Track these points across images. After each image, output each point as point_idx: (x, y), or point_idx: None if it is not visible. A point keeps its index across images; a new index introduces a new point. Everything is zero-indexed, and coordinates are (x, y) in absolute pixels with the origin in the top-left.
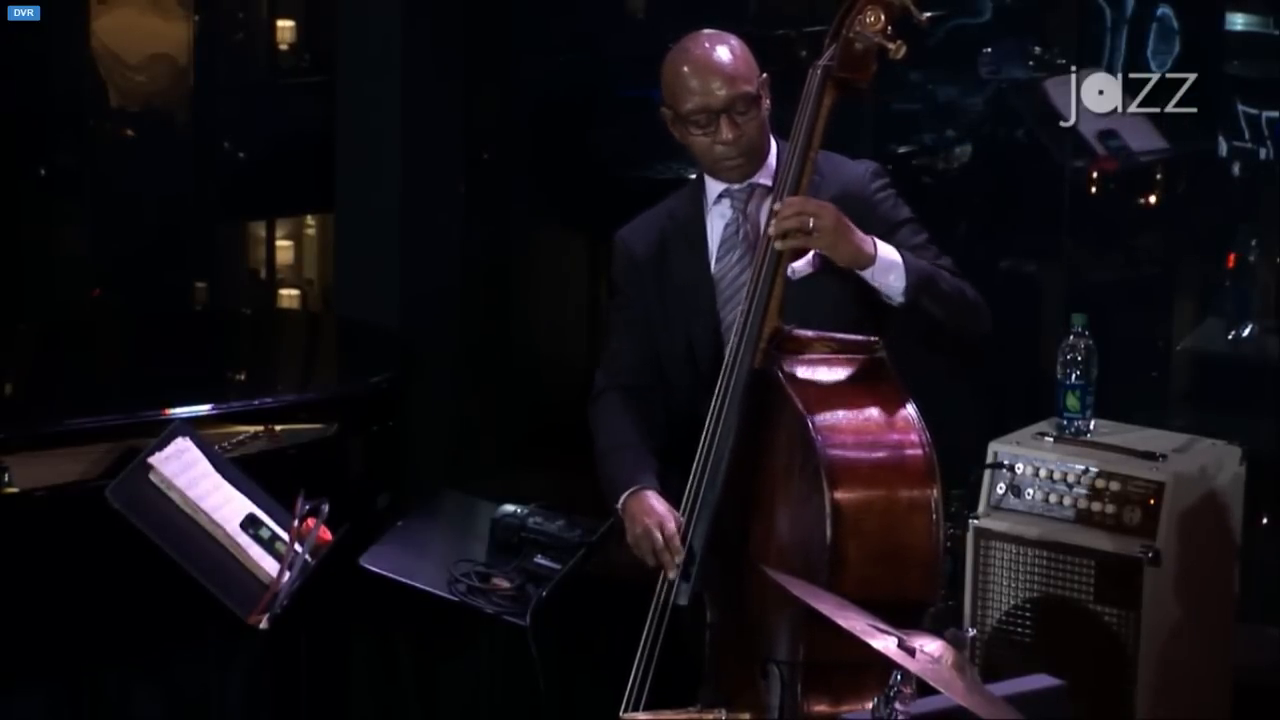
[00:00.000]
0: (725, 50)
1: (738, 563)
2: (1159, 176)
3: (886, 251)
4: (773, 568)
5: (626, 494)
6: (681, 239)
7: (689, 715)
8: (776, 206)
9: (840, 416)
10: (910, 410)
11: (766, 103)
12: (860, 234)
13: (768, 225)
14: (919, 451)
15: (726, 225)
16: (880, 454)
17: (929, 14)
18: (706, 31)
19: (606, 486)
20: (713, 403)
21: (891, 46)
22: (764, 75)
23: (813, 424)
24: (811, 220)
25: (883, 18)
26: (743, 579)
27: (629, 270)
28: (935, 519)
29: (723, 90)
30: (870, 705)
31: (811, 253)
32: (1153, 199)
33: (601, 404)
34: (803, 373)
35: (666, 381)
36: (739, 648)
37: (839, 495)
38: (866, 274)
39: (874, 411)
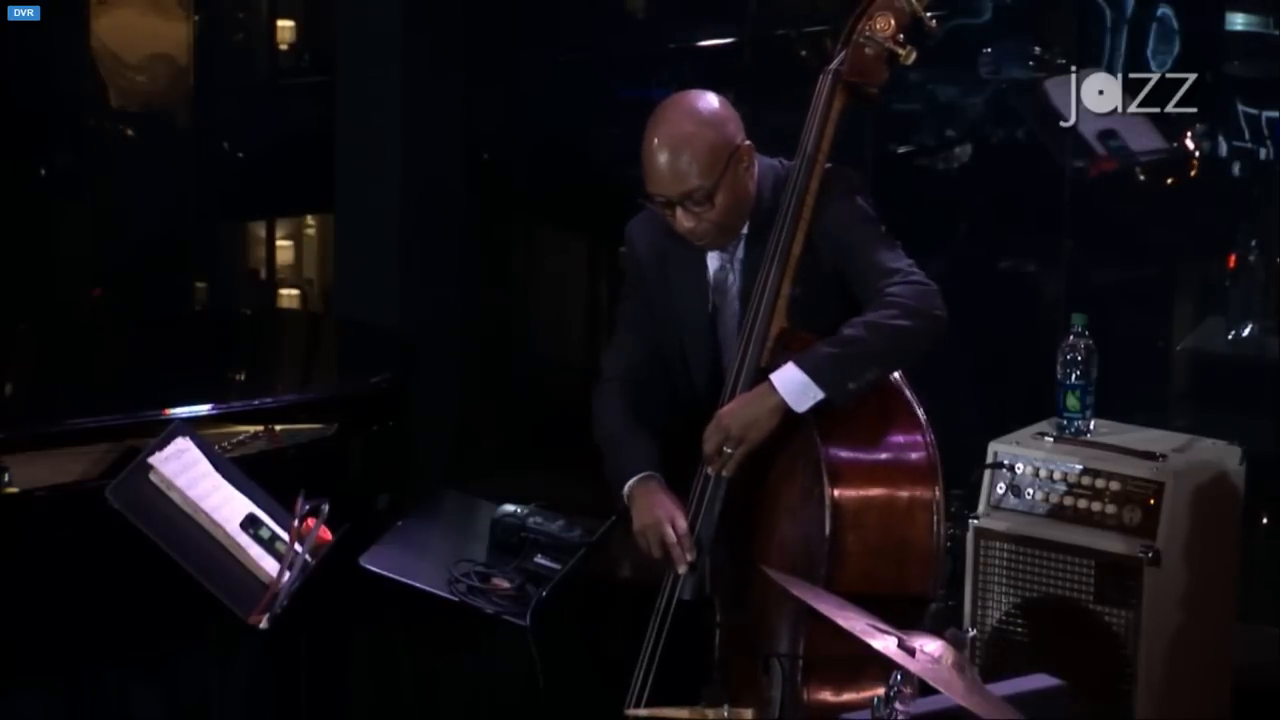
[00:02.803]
0: (685, 140)
1: (743, 560)
2: (1159, 176)
3: (788, 381)
4: (775, 563)
5: (633, 481)
6: (682, 264)
7: (692, 712)
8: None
9: (844, 415)
10: (914, 408)
11: (737, 177)
12: (758, 403)
13: (775, 236)
14: (921, 450)
15: (718, 270)
16: (882, 451)
17: (935, 16)
18: (678, 107)
19: (611, 473)
20: (720, 401)
21: (902, 52)
22: (742, 145)
23: (815, 421)
24: (728, 445)
25: (893, 23)
26: (747, 576)
27: (634, 265)
28: (936, 517)
29: (674, 186)
30: (872, 699)
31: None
32: (1153, 199)
33: (604, 392)
34: None
35: (667, 373)
36: (744, 645)
37: (839, 491)
38: (793, 408)
39: (877, 409)
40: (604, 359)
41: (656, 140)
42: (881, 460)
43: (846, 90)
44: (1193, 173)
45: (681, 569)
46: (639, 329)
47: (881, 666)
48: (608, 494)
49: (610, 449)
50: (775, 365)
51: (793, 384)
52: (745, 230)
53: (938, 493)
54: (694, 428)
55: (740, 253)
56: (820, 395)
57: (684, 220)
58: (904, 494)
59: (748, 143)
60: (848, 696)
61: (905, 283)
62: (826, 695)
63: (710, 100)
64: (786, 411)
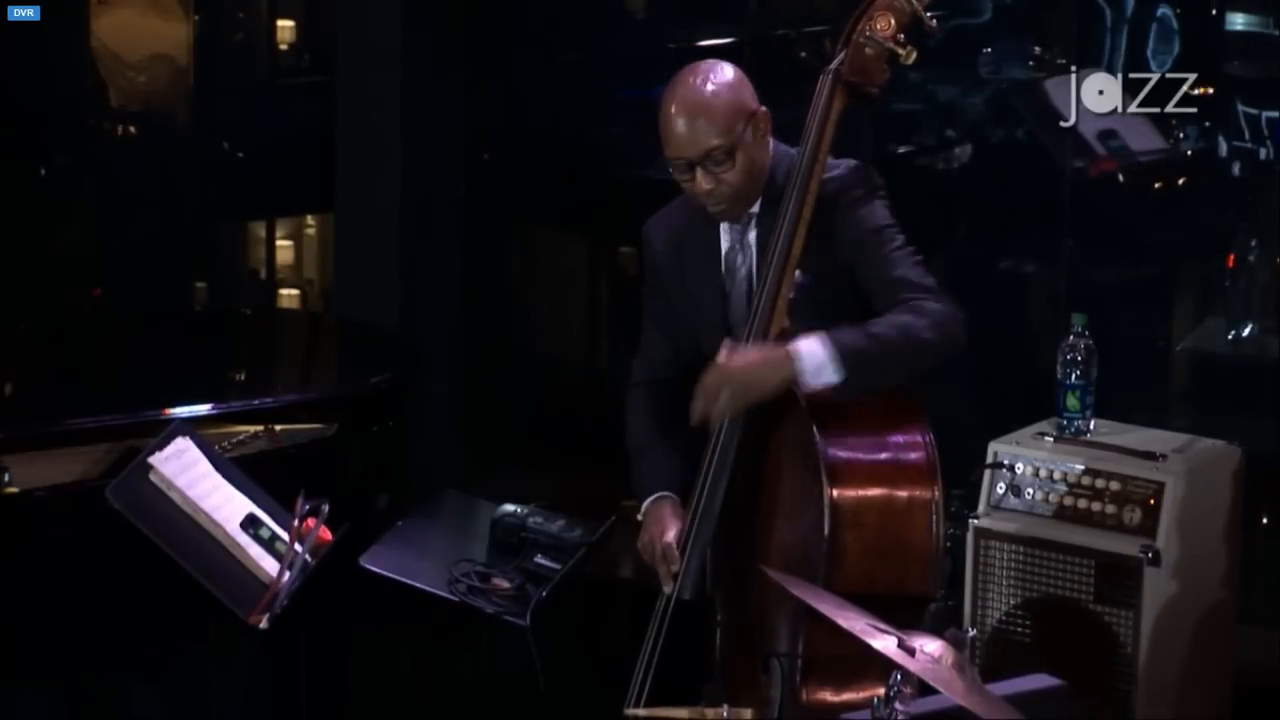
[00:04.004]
0: (703, 100)
1: (743, 560)
2: (1159, 177)
3: (810, 354)
4: (774, 563)
5: (649, 501)
6: (696, 247)
7: (691, 712)
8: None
9: (843, 414)
10: (914, 407)
11: (755, 142)
12: (772, 366)
13: (775, 235)
14: (921, 450)
15: (729, 250)
16: (881, 451)
17: (935, 16)
18: (695, 72)
19: (636, 487)
20: None
21: (902, 52)
22: (759, 111)
23: (814, 422)
24: (715, 404)
25: (893, 23)
26: (747, 575)
27: (651, 263)
28: (935, 516)
29: (694, 146)
30: (872, 699)
31: (798, 272)
32: (1153, 199)
33: (632, 399)
34: None
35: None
36: (744, 644)
37: (837, 491)
38: (803, 383)
39: (877, 410)
40: (635, 361)
41: (675, 103)
42: (880, 460)
43: (846, 90)
44: (1193, 173)
45: (666, 588)
46: (662, 328)
47: (881, 666)
48: (608, 494)
49: (635, 460)
50: None
51: (814, 360)
52: (756, 209)
53: (937, 492)
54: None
55: (750, 234)
56: (835, 381)
57: (703, 182)
58: (903, 494)
59: (764, 109)
60: (847, 696)
61: (939, 303)
62: (826, 695)
63: (725, 66)
64: (794, 384)
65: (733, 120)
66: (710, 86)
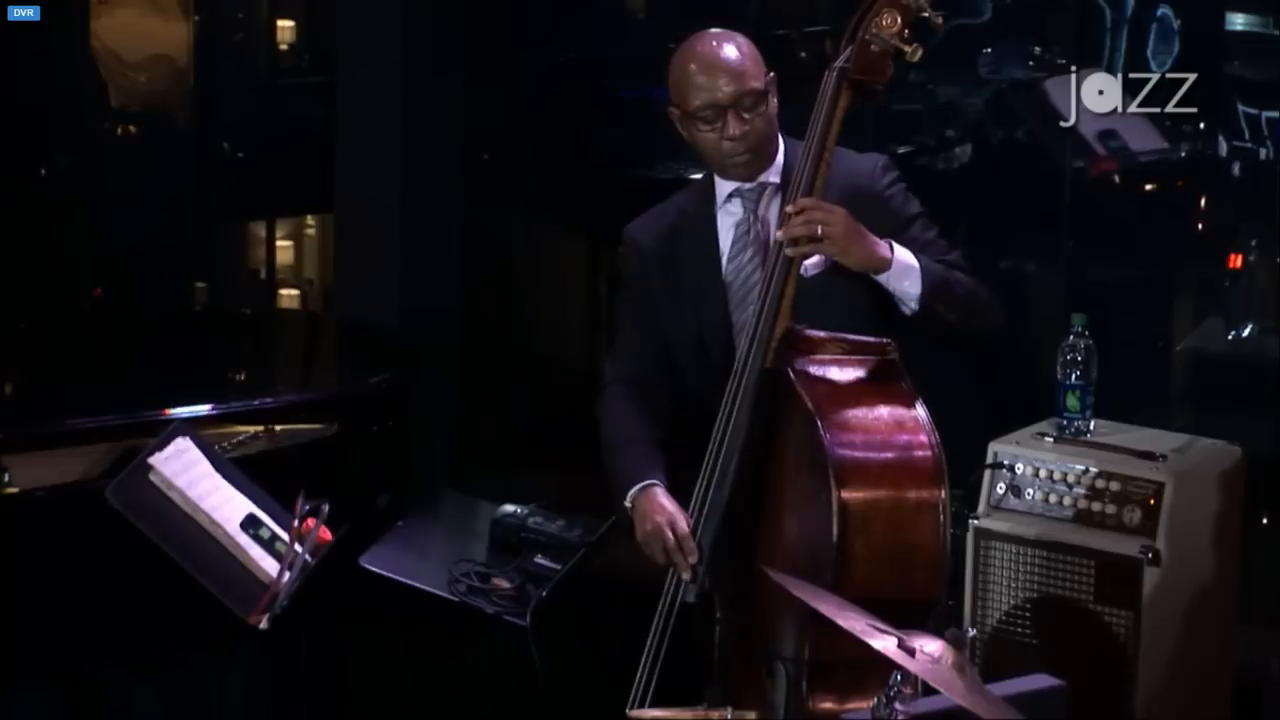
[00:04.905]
0: (732, 47)
1: (746, 561)
2: (1159, 177)
3: (903, 256)
4: (780, 566)
5: (635, 490)
6: (692, 238)
7: (695, 713)
8: (789, 209)
9: (849, 416)
10: (920, 411)
11: (774, 100)
12: (874, 238)
13: (773, 264)
14: (928, 452)
15: (738, 225)
16: (888, 454)
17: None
18: (713, 30)
19: (613, 482)
20: (724, 401)
21: (908, 49)
22: (771, 74)
23: (821, 424)
24: (821, 227)
25: (899, 20)
26: (751, 578)
27: (637, 264)
28: (942, 520)
29: (729, 86)
30: (871, 704)
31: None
32: (1153, 199)
33: (608, 396)
34: (814, 373)
35: (676, 372)
36: (747, 646)
37: (846, 494)
38: (881, 278)
39: (883, 412)
40: (607, 363)
41: (701, 57)
42: (888, 461)
43: (852, 88)
44: (1193, 173)
45: (685, 574)
46: (641, 328)
47: (887, 669)
48: (608, 494)
49: (612, 457)
50: (780, 366)
51: (906, 262)
52: (774, 180)
53: (944, 495)
54: (705, 422)
55: (763, 206)
56: (913, 292)
57: (734, 127)
58: (911, 497)
59: (772, 74)
60: (853, 704)
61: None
62: (831, 704)
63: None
64: (877, 270)
65: (760, 66)
66: (734, 39)
